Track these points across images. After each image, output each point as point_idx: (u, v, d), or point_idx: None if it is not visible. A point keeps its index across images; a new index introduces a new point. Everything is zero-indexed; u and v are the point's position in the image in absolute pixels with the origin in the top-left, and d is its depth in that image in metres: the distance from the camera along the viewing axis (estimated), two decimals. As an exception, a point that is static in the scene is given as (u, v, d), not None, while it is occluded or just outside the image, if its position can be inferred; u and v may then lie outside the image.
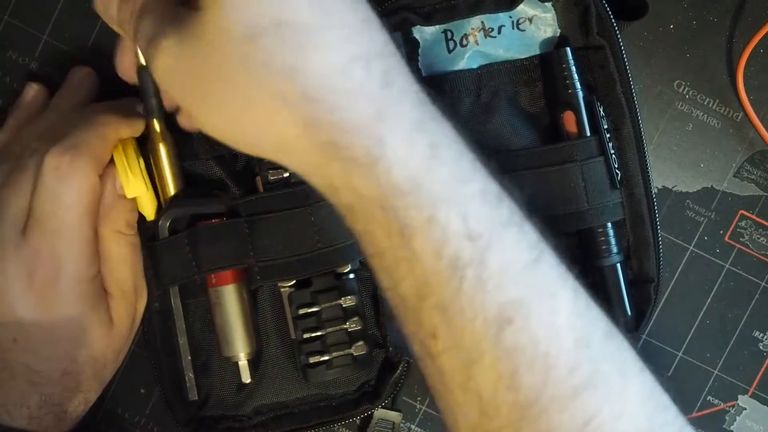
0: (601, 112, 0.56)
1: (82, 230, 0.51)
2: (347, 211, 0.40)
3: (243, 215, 0.55)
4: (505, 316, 0.38)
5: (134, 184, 0.53)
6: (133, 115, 0.54)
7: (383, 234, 0.39)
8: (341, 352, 0.55)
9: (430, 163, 0.38)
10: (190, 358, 0.56)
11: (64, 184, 0.50)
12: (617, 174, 0.56)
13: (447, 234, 0.38)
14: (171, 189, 0.54)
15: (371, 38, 0.39)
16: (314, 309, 0.55)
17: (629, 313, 0.57)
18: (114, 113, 0.53)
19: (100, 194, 0.52)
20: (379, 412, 0.60)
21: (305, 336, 0.55)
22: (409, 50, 0.57)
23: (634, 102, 0.56)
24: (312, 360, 0.55)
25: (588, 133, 0.56)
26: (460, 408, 0.40)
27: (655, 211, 0.57)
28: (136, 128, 0.53)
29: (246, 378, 0.56)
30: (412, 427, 0.61)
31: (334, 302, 0.55)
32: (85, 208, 0.51)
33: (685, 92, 0.60)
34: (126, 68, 0.52)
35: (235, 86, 0.39)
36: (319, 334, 0.55)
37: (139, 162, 0.53)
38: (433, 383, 0.41)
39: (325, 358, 0.55)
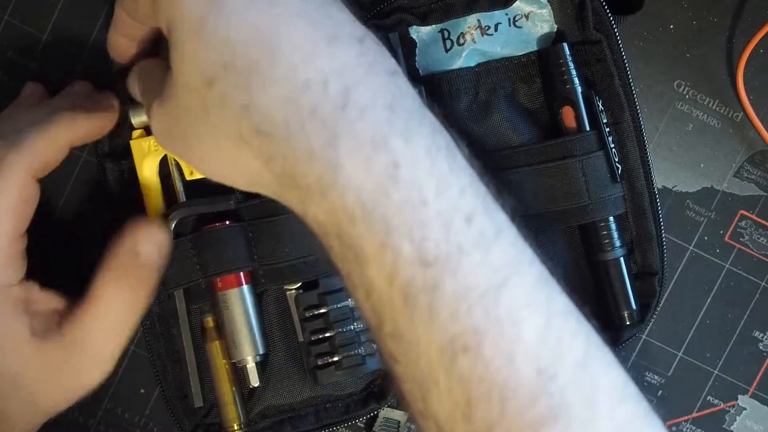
0: (600, 107, 0.56)
1: None
2: (317, 236, 0.40)
3: (246, 219, 0.55)
4: (460, 344, 0.37)
5: None
6: (100, 112, 0.52)
7: (342, 261, 0.39)
8: (350, 353, 0.55)
9: (388, 186, 0.37)
10: (195, 363, 0.56)
11: None
12: (618, 168, 0.56)
13: (399, 260, 0.37)
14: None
15: (330, 57, 0.38)
16: (322, 310, 0.55)
17: (634, 306, 0.57)
18: (71, 113, 0.51)
19: (31, 198, 0.49)
20: (384, 411, 0.59)
21: (313, 338, 0.55)
22: (407, 51, 0.57)
23: (632, 95, 0.56)
24: (321, 362, 0.55)
25: (587, 128, 0.56)
26: None
27: (657, 203, 0.57)
28: (96, 128, 0.52)
29: (255, 381, 0.55)
30: (412, 427, 0.60)
31: (342, 303, 0.55)
32: (6, 207, 0.48)
33: (685, 92, 0.60)
34: (117, 46, 0.50)
35: (204, 133, 0.40)
36: (327, 335, 0.55)
37: None
38: (404, 405, 0.41)
39: (335, 359, 0.55)
